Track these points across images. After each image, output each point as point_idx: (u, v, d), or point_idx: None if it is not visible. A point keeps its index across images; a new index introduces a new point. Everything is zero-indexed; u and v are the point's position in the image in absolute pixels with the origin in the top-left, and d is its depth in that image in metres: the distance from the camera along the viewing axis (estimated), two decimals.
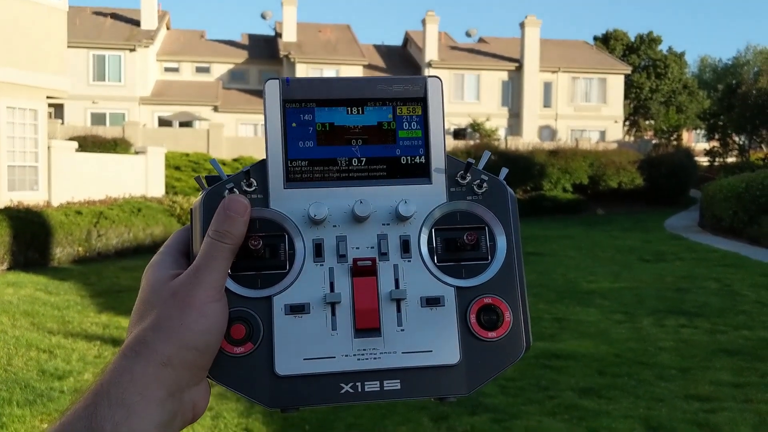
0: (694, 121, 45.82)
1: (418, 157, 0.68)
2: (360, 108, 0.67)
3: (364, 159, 0.67)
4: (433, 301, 0.65)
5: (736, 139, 37.11)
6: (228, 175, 0.67)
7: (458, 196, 0.68)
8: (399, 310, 0.64)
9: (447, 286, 0.65)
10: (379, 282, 0.64)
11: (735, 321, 8.08)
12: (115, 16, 39.45)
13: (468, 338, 0.64)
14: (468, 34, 44.65)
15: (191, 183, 27.70)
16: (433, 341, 0.64)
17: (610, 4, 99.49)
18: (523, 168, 30.03)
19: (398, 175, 0.67)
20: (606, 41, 49.34)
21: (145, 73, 36.70)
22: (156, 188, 19.17)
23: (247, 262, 0.64)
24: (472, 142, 32.62)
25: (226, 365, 0.63)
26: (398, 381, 0.64)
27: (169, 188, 24.39)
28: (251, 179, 0.66)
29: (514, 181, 30.12)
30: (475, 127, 37.32)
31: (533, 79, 39.61)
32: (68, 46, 17.80)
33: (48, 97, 16.07)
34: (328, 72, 37.98)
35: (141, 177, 18.50)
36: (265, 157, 0.66)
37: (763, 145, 36.48)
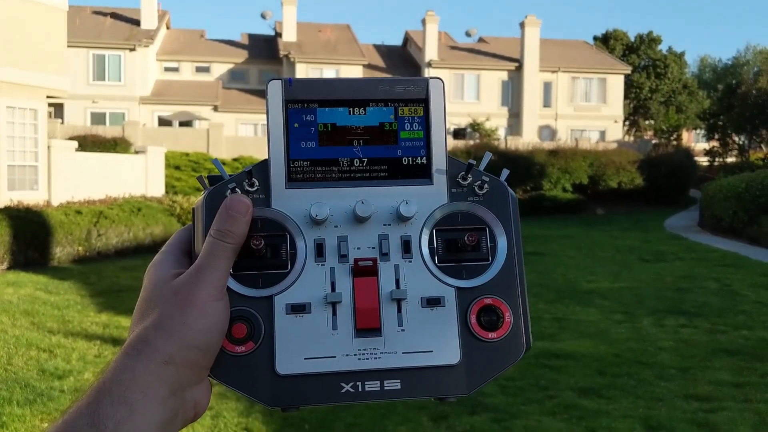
0: (694, 121, 45.82)
1: (419, 158, 0.68)
2: (362, 109, 0.68)
3: (366, 159, 0.67)
4: (433, 302, 0.65)
5: (736, 139, 37.11)
6: (230, 175, 0.67)
7: (459, 197, 0.68)
8: (399, 310, 0.65)
9: (447, 286, 0.66)
10: (379, 282, 0.65)
11: (735, 321, 8.08)
12: (114, 15, 39.45)
13: (468, 339, 0.65)
14: (468, 34, 44.65)
15: (191, 182, 27.71)
16: (434, 341, 0.64)
17: (609, 4, 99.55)
18: (523, 168, 30.03)
19: (399, 175, 0.67)
20: (606, 41, 49.34)
21: (144, 73, 36.69)
22: (156, 188, 19.17)
23: (248, 262, 0.64)
24: (471, 142, 32.62)
25: (228, 364, 0.63)
26: (398, 381, 0.64)
27: (169, 188, 24.39)
28: (253, 179, 0.66)
29: (514, 181, 29.98)
30: (475, 126, 37.32)
31: (533, 79, 39.60)
32: (68, 46, 17.80)
33: (48, 97, 16.07)
34: (328, 72, 37.97)
35: (141, 177, 18.51)
36: (267, 157, 0.67)
37: (762, 145, 36.48)
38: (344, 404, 0.64)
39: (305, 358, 0.63)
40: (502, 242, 0.67)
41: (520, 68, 39.78)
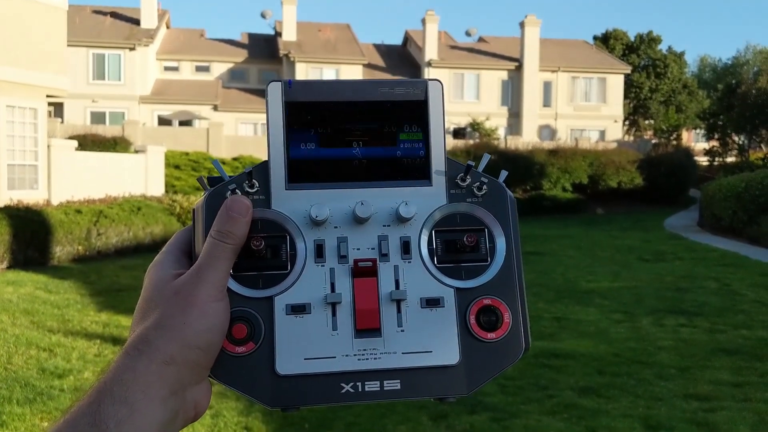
0: (694, 121, 45.82)
1: (418, 159, 0.68)
2: (361, 110, 0.68)
3: (366, 160, 0.68)
4: (433, 302, 0.65)
5: (736, 138, 37.11)
6: (230, 176, 0.68)
7: (458, 198, 0.68)
8: (399, 310, 0.65)
9: (447, 287, 0.66)
10: (379, 283, 0.65)
11: (734, 320, 8.09)
12: (114, 14, 39.43)
13: (467, 339, 0.65)
14: (468, 34, 44.63)
15: (191, 182, 27.71)
16: (433, 342, 0.65)
17: (609, 4, 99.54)
18: (523, 167, 30.03)
19: (399, 176, 0.68)
20: (606, 41, 49.32)
21: (144, 72, 36.68)
22: (156, 187, 19.17)
23: (248, 263, 0.65)
24: (471, 142, 32.63)
25: (228, 364, 0.63)
26: (398, 381, 0.64)
27: (169, 187, 24.38)
28: (253, 180, 0.66)
29: (514, 181, 30.12)
30: (475, 126, 37.32)
31: (533, 78, 39.59)
32: (68, 45, 17.79)
33: (48, 96, 16.06)
34: (328, 71, 37.97)
35: (141, 176, 18.51)
36: (267, 158, 0.67)
37: (762, 145, 36.48)
38: (344, 405, 0.64)
39: (305, 359, 0.63)
40: (500, 243, 0.67)
41: (520, 68, 39.78)
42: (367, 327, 0.64)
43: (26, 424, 4.54)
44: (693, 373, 5.96)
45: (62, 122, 30.42)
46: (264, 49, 41.54)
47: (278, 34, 40.84)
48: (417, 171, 0.68)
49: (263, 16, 43.64)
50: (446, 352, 0.64)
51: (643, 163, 31.52)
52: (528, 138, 35.63)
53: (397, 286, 0.65)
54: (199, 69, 39.65)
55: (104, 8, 40.29)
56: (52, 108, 31.04)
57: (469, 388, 0.65)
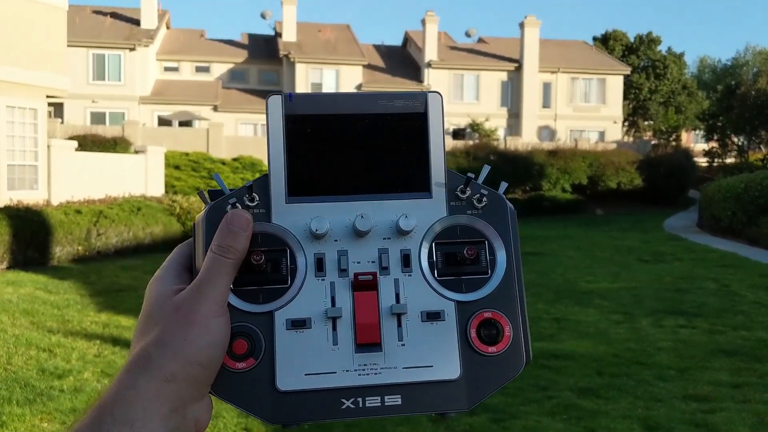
0: (693, 122, 45.83)
1: (418, 171, 0.68)
2: (362, 123, 0.68)
3: (366, 173, 0.68)
4: (433, 316, 0.65)
5: (735, 139, 37.12)
6: (231, 189, 0.68)
7: (458, 210, 0.68)
8: (400, 324, 0.65)
9: (447, 300, 0.66)
10: (380, 296, 0.65)
11: (733, 321, 8.10)
12: (114, 15, 39.42)
13: (468, 353, 0.65)
14: (467, 35, 44.63)
15: (191, 182, 27.70)
16: (434, 356, 0.64)
17: (609, 5, 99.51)
18: (523, 168, 30.05)
19: (399, 188, 0.68)
20: (605, 42, 49.34)
21: (144, 73, 36.68)
22: (156, 187, 19.17)
23: (249, 277, 0.65)
24: (471, 142, 32.65)
25: (228, 381, 0.63)
26: (399, 396, 0.64)
27: (169, 187, 24.38)
28: (254, 194, 0.66)
29: (513, 181, 30.13)
30: (475, 127, 37.34)
31: (532, 79, 39.60)
32: (68, 45, 17.78)
33: (48, 96, 16.06)
34: (328, 72, 37.97)
35: (141, 176, 18.52)
36: (267, 171, 0.67)
37: (762, 146, 36.49)
38: (345, 420, 0.64)
39: (306, 374, 0.63)
40: (501, 256, 0.67)
41: (519, 69, 39.78)
42: (367, 341, 0.64)
43: (26, 425, 4.54)
44: (692, 374, 5.97)
45: (62, 122, 30.42)
46: (264, 49, 41.54)
47: (278, 34, 40.84)
48: (417, 183, 0.68)
49: (263, 16, 43.64)
50: (447, 366, 0.64)
51: (643, 164, 31.54)
52: (527, 139, 35.64)
53: (398, 300, 0.65)
54: (199, 69, 39.65)
55: (104, 8, 40.29)
56: (52, 108, 31.05)
57: (470, 402, 0.64)
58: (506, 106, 39.97)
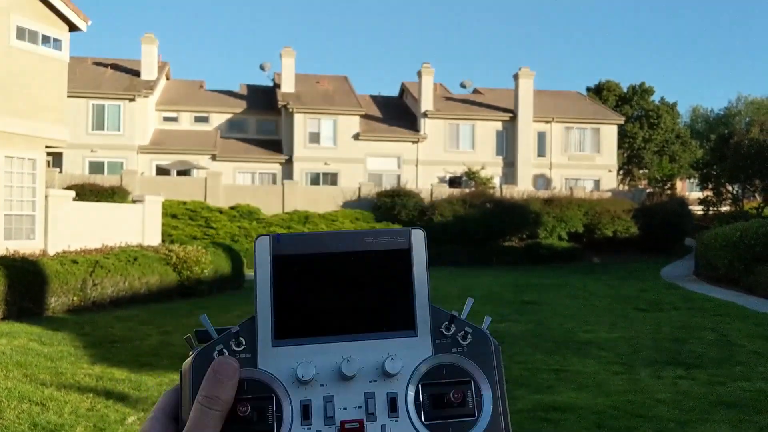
0: (688, 171, 46.16)
1: (403, 309, 0.68)
2: (348, 261, 0.69)
3: (352, 312, 0.68)
4: None
5: (730, 188, 37.35)
6: (218, 329, 0.68)
7: (443, 348, 0.68)
8: None
9: None
10: None
11: (733, 372, 8.04)
12: (115, 66, 39.96)
13: None
14: (463, 86, 45.26)
15: (188, 231, 27.71)
16: None
17: (601, 57, 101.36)
18: (519, 216, 30.16)
19: (384, 327, 0.68)
20: (599, 92, 50.03)
21: (144, 123, 37.01)
22: (153, 236, 19.17)
23: (235, 427, 0.64)
24: (467, 190, 32.82)
25: None
26: None
27: (166, 236, 24.37)
28: (240, 338, 0.67)
29: (510, 229, 30.19)
30: (471, 175, 37.59)
31: (527, 129, 40.03)
32: (68, 96, 18.01)
33: (47, 147, 16.19)
34: (326, 122, 38.34)
35: (138, 225, 18.53)
36: (254, 314, 0.67)
37: (756, 195, 36.70)
38: None
39: None
40: (487, 396, 0.67)
41: (514, 118, 40.24)
42: None
43: None
44: (693, 427, 5.90)
45: (61, 172, 30.57)
46: (262, 100, 42.01)
47: (277, 85, 41.36)
48: (402, 321, 0.68)
49: (262, 68, 44.24)
50: None
51: (638, 213, 31.67)
52: (523, 187, 35.84)
53: None
54: (198, 119, 40.02)
55: (105, 60, 40.85)
56: (50, 158, 31.24)
57: None
58: (501, 154, 40.30)
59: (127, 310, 12.52)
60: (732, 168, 34.42)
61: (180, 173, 35.32)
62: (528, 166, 39.82)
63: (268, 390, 0.65)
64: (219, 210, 29.34)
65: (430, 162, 39.24)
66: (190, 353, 0.68)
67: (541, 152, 40.70)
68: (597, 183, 40.23)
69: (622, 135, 46.09)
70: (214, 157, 37.09)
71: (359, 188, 32.05)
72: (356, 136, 38.54)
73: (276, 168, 37.88)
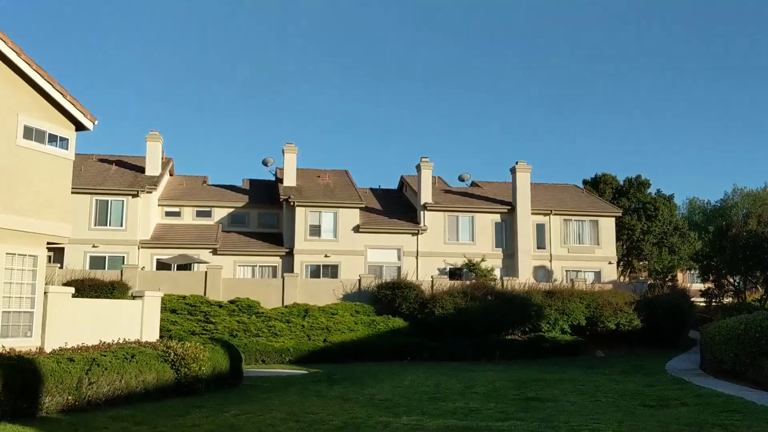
0: (688, 262, 46.19)
1: None
2: None
3: None
4: None
5: (731, 280, 37.27)
6: None
7: None
8: None
9: None
10: None
11: None
12: (120, 163, 40.69)
13: None
14: (461, 179, 45.95)
15: (187, 326, 27.46)
16: None
17: (597, 151, 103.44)
18: (521, 308, 29.93)
19: None
20: (595, 185, 50.69)
21: (146, 218, 37.35)
22: (151, 332, 18.95)
23: None
24: (468, 282, 32.71)
25: None
26: None
27: (165, 332, 24.12)
28: None
29: (512, 322, 29.88)
30: (471, 267, 37.60)
31: (526, 221, 40.35)
32: (72, 192, 18.23)
33: (49, 243, 16.26)
34: (327, 214, 38.73)
35: (136, 321, 18.36)
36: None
37: (758, 286, 36.59)
38: None
39: None
40: None
41: (512, 211, 40.63)
42: None
43: None
44: None
45: (61, 267, 30.60)
46: (264, 194, 42.59)
47: (279, 180, 42.01)
48: None
49: (265, 163, 45.01)
50: None
51: (640, 305, 31.48)
52: (524, 279, 35.77)
53: None
54: (200, 214, 40.40)
55: (110, 156, 41.65)
56: (52, 253, 31.32)
57: None
58: (501, 246, 40.46)
59: (123, 410, 12.26)
60: (732, 260, 34.49)
61: (180, 267, 35.34)
62: (528, 257, 39.90)
63: None
64: (218, 304, 29.17)
65: (431, 254, 39.34)
66: None
67: (541, 244, 40.87)
68: (598, 275, 40.19)
69: (621, 227, 46.40)
70: (215, 251, 37.21)
71: (359, 280, 31.99)
72: (356, 229, 38.82)
73: (276, 261, 37.94)
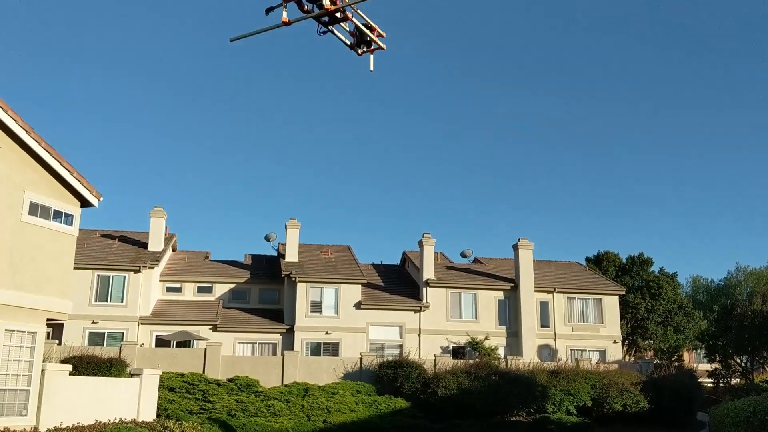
0: (693, 342, 45.62)
1: None
2: None
3: None
4: None
5: (738, 360, 36.75)
6: None
7: None
8: None
9: None
10: None
11: None
12: (123, 238, 40.82)
13: None
14: (463, 255, 45.89)
15: (185, 405, 26.92)
16: None
17: (599, 229, 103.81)
18: (525, 389, 29.38)
19: None
20: (598, 262, 50.60)
21: (147, 294, 37.19)
22: (148, 411, 18.60)
23: None
24: (471, 361, 32.22)
25: None
26: None
27: (162, 410, 23.65)
28: None
29: (517, 403, 29.28)
30: (475, 345, 37.14)
31: (529, 298, 40.10)
32: (74, 267, 18.24)
33: (48, 320, 16.16)
34: (328, 290, 38.55)
35: (134, 400, 18.06)
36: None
37: (765, 366, 36.04)
38: None
39: None
40: None
41: (515, 288, 40.44)
42: None
43: None
44: None
45: (59, 343, 30.28)
46: (266, 269, 42.49)
47: (281, 255, 42.00)
48: None
49: (267, 239, 45.09)
50: None
51: (647, 385, 30.91)
52: (528, 358, 35.26)
53: None
54: (201, 290, 40.22)
55: (113, 232, 41.82)
56: (50, 329, 31.06)
57: None
58: (505, 324, 40.06)
59: None
60: (738, 340, 34.11)
61: (180, 344, 34.96)
62: (532, 336, 39.47)
63: None
64: (217, 382, 28.70)
65: (433, 331, 38.93)
66: None
67: (545, 322, 40.51)
68: (603, 354, 39.65)
69: (625, 305, 46.05)
70: (215, 328, 36.88)
71: (360, 359, 31.55)
72: (358, 305, 38.56)
73: (276, 338, 37.53)
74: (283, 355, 31.70)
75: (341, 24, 11.00)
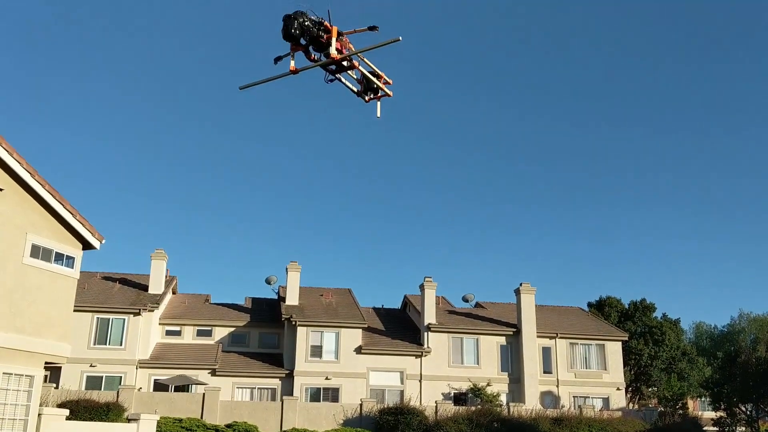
0: (698, 389, 45.00)
1: None
2: None
3: None
4: None
5: (743, 408, 36.21)
6: None
7: None
8: None
9: None
10: None
11: None
12: (124, 281, 40.69)
13: None
14: (465, 299, 45.65)
15: None
16: None
17: (600, 275, 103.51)
18: None
19: None
20: (600, 308, 50.28)
21: (146, 337, 36.89)
22: None
23: None
24: (473, 408, 31.80)
25: None
26: None
27: None
28: None
29: None
30: (477, 392, 36.67)
31: (531, 344, 39.73)
32: (74, 310, 18.15)
33: (46, 363, 16.02)
34: (328, 334, 38.25)
35: None
36: None
37: None
38: None
39: None
40: None
41: (518, 333, 40.11)
42: None
43: None
44: None
45: (57, 387, 29.93)
46: (266, 312, 42.20)
47: (281, 298, 41.78)
48: None
49: (268, 282, 44.91)
50: None
51: None
52: (530, 404, 34.80)
53: None
54: (200, 333, 39.91)
55: (114, 275, 41.71)
56: (48, 372, 30.76)
57: None
58: (507, 370, 39.62)
59: None
60: (743, 388, 33.64)
61: (178, 388, 34.56)
62: (534, 382, 39.00)
63: None
64: (215, 428, 28.29)
65: (434, 377, 38.50)
66: None
67: (547, 368, 40.06)
68: (606, 401, 39.12)
69: (628, 352, 45.59)
70: (213, 372, 36.50)
71: (361, 405, 31.14)
72: (359, 350, 38.20)
73: (276, 383, 37.09)
74: (282, 400, 31.32)
75: (348, 72, 11.18)
